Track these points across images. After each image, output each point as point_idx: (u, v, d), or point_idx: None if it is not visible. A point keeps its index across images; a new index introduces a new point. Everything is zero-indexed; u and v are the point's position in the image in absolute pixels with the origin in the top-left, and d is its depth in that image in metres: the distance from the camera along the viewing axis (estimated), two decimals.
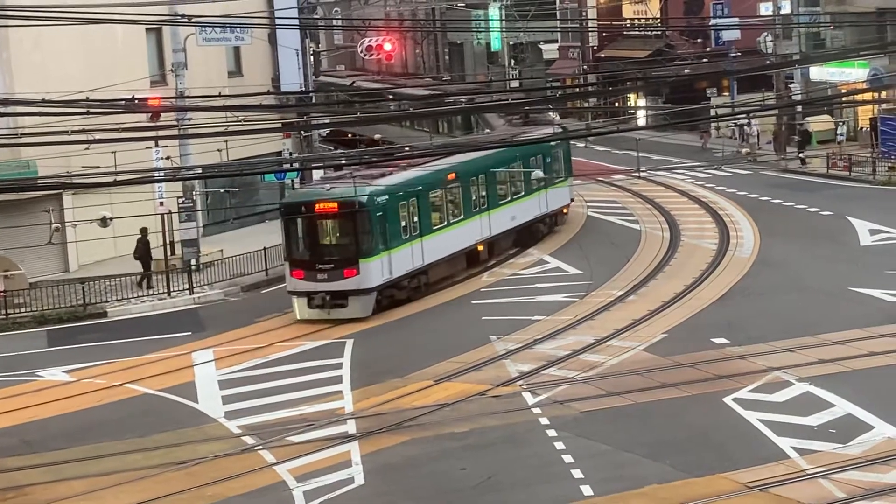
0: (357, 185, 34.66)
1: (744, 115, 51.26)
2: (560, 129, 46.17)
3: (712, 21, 65.40)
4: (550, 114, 48.13)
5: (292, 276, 35.03)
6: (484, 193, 40.09)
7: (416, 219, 36.52)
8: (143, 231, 39.91)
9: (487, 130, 47.23)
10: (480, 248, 40.35)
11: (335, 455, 23.00)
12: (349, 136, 67.05)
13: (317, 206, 34.94)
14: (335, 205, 34.73)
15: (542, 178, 42.34)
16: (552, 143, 43.57)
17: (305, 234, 35.48)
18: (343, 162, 37.14)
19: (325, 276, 34.42)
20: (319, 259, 34.78)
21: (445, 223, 38.27)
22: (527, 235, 43.06)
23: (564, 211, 46.10)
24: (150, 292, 39.00)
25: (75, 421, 26.74)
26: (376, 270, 34.54)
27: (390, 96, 59.04)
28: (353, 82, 69.30)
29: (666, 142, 65.48)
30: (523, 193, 42.51)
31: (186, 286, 39.00)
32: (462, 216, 39.09)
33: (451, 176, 38.50)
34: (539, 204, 43.40)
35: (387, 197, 35.39)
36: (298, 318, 34.80)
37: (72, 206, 40.79)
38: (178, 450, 24.06)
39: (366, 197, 34.71)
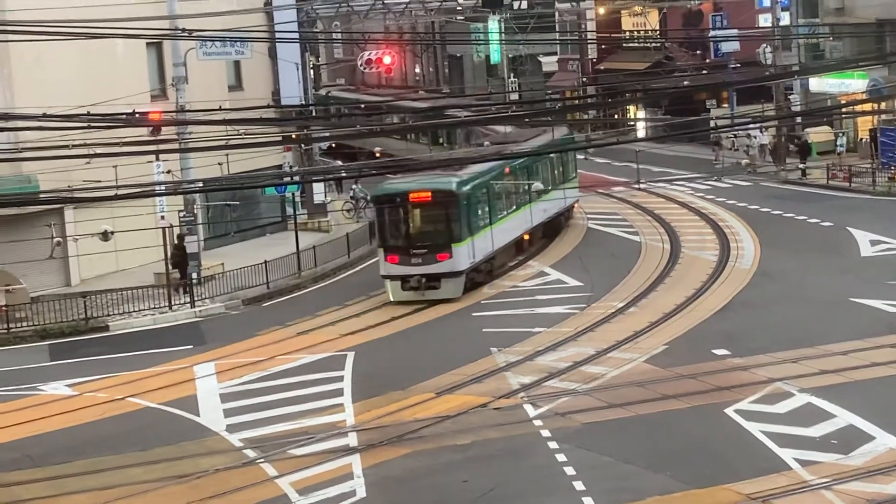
0: (444, 175, 38.11)
1: (745, 127, 51.42)
2: (567, 130, 49.22)
3: (711, 33, 65.52)
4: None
5: (387, 262, 37.55)
6: (527, 188, 42.97)
7: (487, 208, 39.51)
8: (181, 238, 40.78)
9: (487, 143, 47.55)
10: (526, 237, 43.83)
11: (337, 468, 22.99)
12: (354, 148, 67.18)
13: (411, 195, 37.45)
14: (429, 194, 37.46)
15: (562, 174, 46.54)
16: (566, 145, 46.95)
17: (400, 222, 38.03)
18: (343, 175, 38.16)
19: (419, 260, 37.08)
20: (413, 244, 37.40)
21: (506, 213, 41.31)
22: (552, 227, 46.23)
23: (575, 206, 49.58)
24: (185, 298, 39.28)
25: (77, 435, 26.73)
26: (465, 254, 37.42)
27: (389, 109, 59.22)
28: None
29: (666, 153, 65.54)
30: (551, 188, 45.36)
31: (188, 299, 39.02)
32: (515, 207, 42.34)
33: (507, 170, 41.64)
34: (562, 198, 46.86)
35: (470, 186, 38.17)
36: (392, 299, 37.47)
37: (73, 221, 40.82)
38: (180, 463, 24.04)
39: (456, 186, 37.49)
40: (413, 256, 37.16)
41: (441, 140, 61.69)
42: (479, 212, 38.73)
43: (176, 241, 40.69)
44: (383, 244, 37.92)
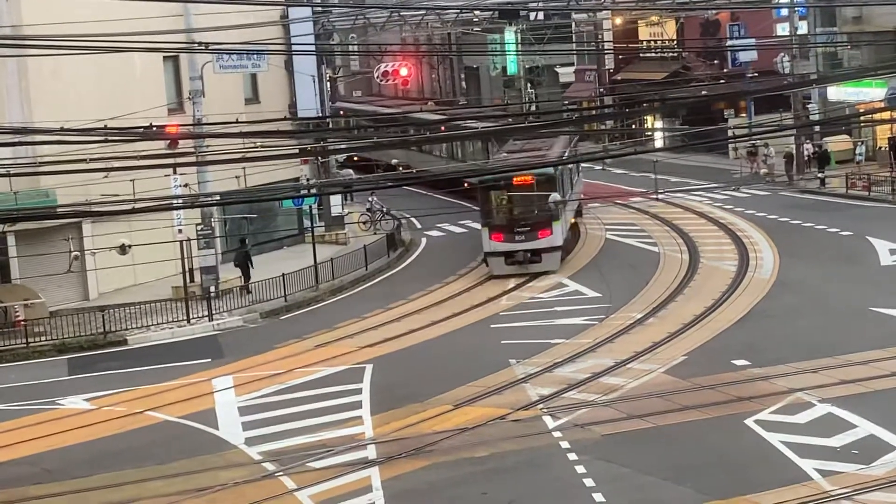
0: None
1: (760, 136, 51.30)
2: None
3: (729, 42, 65.43)
4: None
5: (491, 240, 42.06)
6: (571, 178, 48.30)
7: (566, 191, 44.78)
8: (243, 241, 43.16)
9: (504, 153, 47.79)
10: (573, 220, 48.88)
11: (356, 480, 22.93)
12: (370, 161, 67.18)
13: (515, 179, 42.26)
14: (531, 177, 42.25)
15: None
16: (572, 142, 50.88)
17: (505, 203, 42.71)
18: (361, 188, 38.90)
19: (522, 237, 41.81)
20: (517, 223, 41.98)
21: (570, 197, 46.44)
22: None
23: (582, 194, 54.78)
24: (249, 299, 40.56)
25: (96, 449, 26.73)
26: (561, 231, 42.58)
27: (405, 121, 59.32)
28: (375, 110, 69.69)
29: (683, 163, 65.42)
30: (577, 179, 52.09)
31: (206, 313, 39.04)
32: (571, 193, 47.93)
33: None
34: (579, 186, 54.03)
35: (560, 172, 43.40)
36: (494, 274, 41.99)
37: (91, 235, 40.94)
38: (199, 476, 24.02)
39: (554, 170, 42.07)
40: (517, 234, 41.80)
41: (457, 153, 61.81)
42: (565, 194, 43.92)
43: (239, 245, 43.12)
44: (488, 224, 42.24)
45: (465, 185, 53.04)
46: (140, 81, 44.05)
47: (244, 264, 42.35)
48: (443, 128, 47.30)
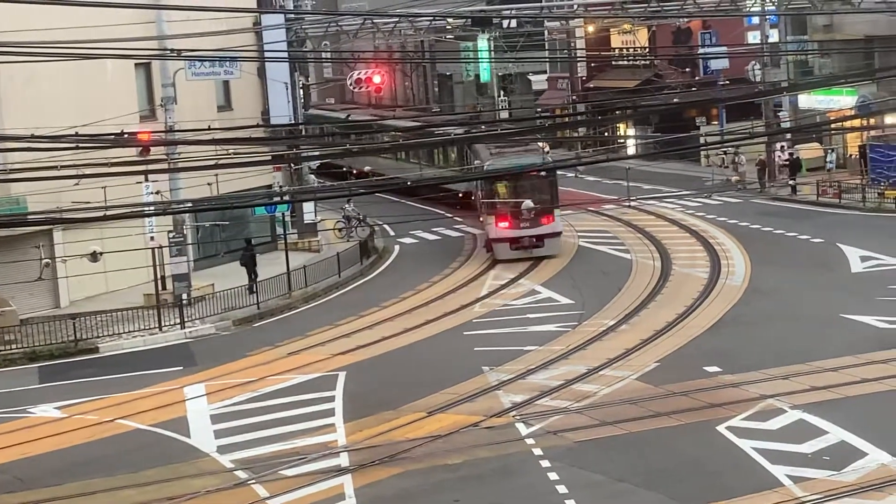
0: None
1: (731, 144, 51.50)
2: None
3: (701, 50, 65.65)
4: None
5: (496, 227, 45.21)
6: None
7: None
8: (248, 241, 44.19)
9: (477, 161, 47.87)
10: None
11: (328, 488, 22.91)
12: (343, 168, 67.13)
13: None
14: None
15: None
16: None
17: (510, 193, 45.54)
18: (333, 194, 39.05)
19: (527, 224, 44.95)
20: (521, 211, 44.69)
21: None
22: None
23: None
24: (254, 299, 40.99)
25: (67, 457, 26.61)
26: (559, 218, 46.05)
27: (378, 128, 59.30)
28: (349, 115, 69.57)
29: (656, 171, 65.60)
30: None
31: (178, 321, 38.91)
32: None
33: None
34: None
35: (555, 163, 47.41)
36: (499, 258, 45.14)
37: (62, 242, 40.71)
38: (171, 485, 23.94)
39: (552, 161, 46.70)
40: (522, 221, 44.82)
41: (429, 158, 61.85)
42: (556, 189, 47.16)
43: (245, 245, 43.98)
44: (494, 212, 45.47)
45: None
46: (112, 88, 43.87)
47: (250, 264, 42.74)
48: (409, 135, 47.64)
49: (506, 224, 45.26)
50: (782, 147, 58.07)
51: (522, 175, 44.78)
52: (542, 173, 45.09)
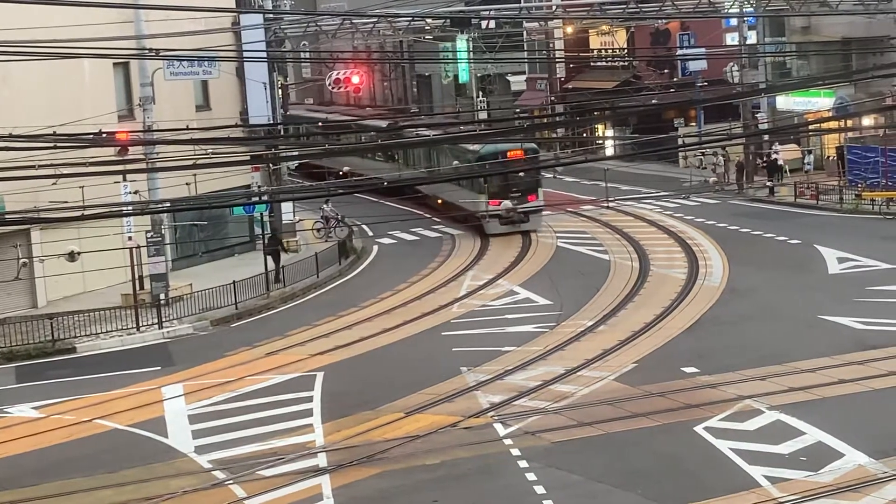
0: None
1: (711, 145, 51.68)
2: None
3: (679, 51, 65.82)
4: None
5: (489, 204, 50.12)
6: None
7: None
8: (274, 230, 46.57)
9: (456, 161, 48.25)
10: None
11: (306, 489, 22.89)
12: (322, 167, 67.06)
13: (509, 153, 49.83)
14: (521, 152, 50.16)
15: None
16: None
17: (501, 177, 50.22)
18: (311, 194, 39.25)
19: (515, 201, 50.45)
20: (510, 189, 50.40)
21: None
22: None
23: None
24: (279, 286, 43.24)
25: (45, 457, 26.52)
26: (541, 196, 51.37)
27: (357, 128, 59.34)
28: (327, 117, 69.58)
29: (634, 172, 65.70)
30: None
31: (155, 321, 38.82)
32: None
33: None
34: None
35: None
36: (489, 233, 50.44)
37: (40, 242, 40.56)
38: (149, 485, 23.89)
39: (538, 146, 52.56)
40: (511, 198, 50.38)
41: (398, 158, 61.94)
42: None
43: (270, 234, 46.00)
44: (486, 191, 50.31)
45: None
46: (90, 88, 43.76)
47: (275, 252, 44.59)
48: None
49: (497, 202, 50.33)
50: (774, 149, 58.18)
51: (509, 159, 49.20)
52: (529, 157, 50.02)
